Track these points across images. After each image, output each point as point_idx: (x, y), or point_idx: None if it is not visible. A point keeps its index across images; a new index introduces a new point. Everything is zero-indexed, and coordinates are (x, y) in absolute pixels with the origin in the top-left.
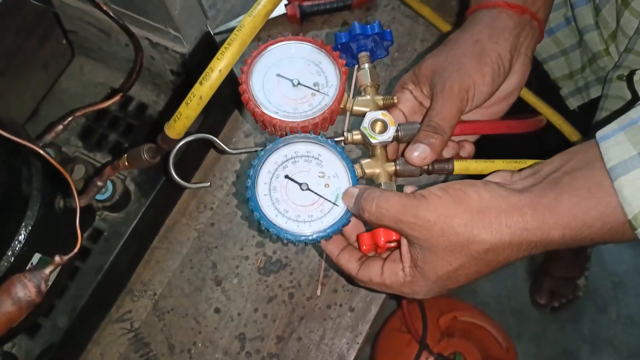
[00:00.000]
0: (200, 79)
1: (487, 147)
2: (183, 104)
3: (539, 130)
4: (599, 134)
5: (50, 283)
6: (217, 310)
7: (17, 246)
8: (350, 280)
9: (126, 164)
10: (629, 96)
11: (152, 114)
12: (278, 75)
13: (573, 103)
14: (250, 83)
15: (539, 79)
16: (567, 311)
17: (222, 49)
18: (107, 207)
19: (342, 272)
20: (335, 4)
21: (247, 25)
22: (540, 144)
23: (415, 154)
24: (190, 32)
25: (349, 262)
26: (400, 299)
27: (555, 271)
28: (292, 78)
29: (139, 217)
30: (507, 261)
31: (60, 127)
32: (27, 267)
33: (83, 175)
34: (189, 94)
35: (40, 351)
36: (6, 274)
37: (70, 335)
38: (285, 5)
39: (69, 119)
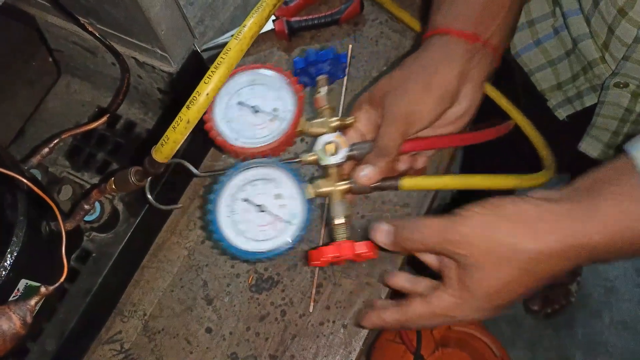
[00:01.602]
0: (188, 102)
1: (473, 158)
2: (170, 128)
3: (510, 136)
4: (628, 145)
5: (34, 314)
6: (208, 330)
7: (2, 273)
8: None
9: (113, 187)
10: (626, 103)
11: (140, 132)
12: (239, 102)
13: (562, 113)
14: (213, 111)
15: (527, 92)
16: (561, 317)
17: (209, 72)
18: (95, 227)
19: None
20: (323, 19)
21: (233, 48)
22: (515, 151)
23: (362, 173)
24: (178, 51)
25: (393, 314)
26: None
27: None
28: (252, 105)
29: (127, 237)
30: (553, 271)
31: (47, 149)
32: (13, 293)
33: (70, 196)
34: (177, 118)
35: None
36: None
37: (59, 359)
38: (273, 21)
39: (55, 141)
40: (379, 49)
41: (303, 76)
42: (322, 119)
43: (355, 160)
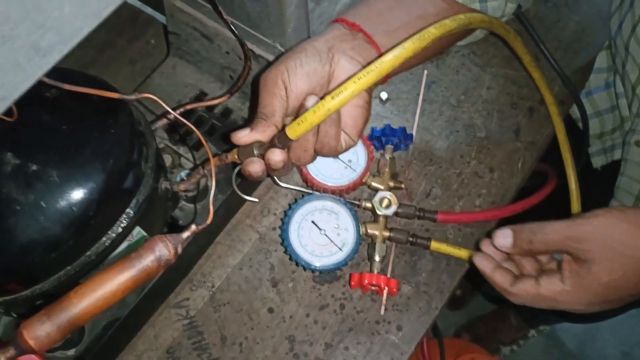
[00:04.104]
0: (333, 94)
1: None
2: (310, 111)
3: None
4: None
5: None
6: (270, 310)
7: (130, 214)
8: (497, 295)
9: (235, 156)
10: None
11: (236, 119)
12: None
13: (597, 162)
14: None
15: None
16: None
17: (360, 74)
18: (187, 198)
19: (490, 286)
20: None
21: (387, 62)
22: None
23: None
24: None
25: (504, 277)
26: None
27: (497, 330)
28: None
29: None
30: None
31: (171, 116)
32: (128, 237)
33: (170, 164)
34: (319, 104)
35: (106, 323)
36: (113, 242)
37: (135, 312)
38: None
39: (180, 110)
40: (458, 78)
41: (375, 141)
42: (382, 178)
43: (398, 216)
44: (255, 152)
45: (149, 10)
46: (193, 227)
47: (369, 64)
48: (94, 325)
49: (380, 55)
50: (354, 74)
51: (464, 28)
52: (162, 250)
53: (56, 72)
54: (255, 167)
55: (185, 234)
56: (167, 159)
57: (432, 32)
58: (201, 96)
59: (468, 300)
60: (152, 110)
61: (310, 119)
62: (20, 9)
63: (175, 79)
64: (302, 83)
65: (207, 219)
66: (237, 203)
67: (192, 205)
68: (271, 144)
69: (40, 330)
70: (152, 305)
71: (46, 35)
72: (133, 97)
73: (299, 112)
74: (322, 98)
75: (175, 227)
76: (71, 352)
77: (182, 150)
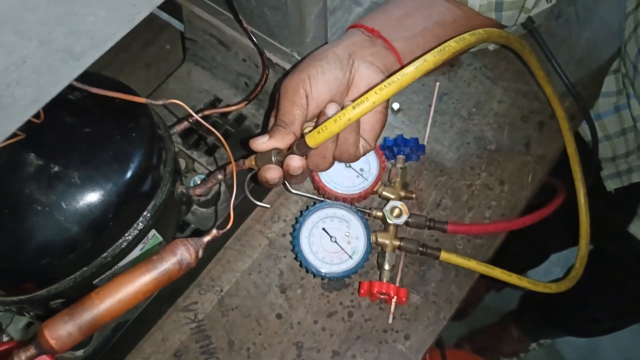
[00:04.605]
0: (354, 104)
1: None
2: (331, 120)
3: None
4: None
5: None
6: (278, 316)
7: (148, 216)
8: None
9: (253, 162)
10: None
11: (249, 126)
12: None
13: (610, 185)
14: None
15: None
16: None
17: (382, 85)
18: (199, 202)
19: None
20: None
21: (409, 74)
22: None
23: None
24: None
25: None
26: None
27: (498, 341)
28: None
29: (224, 216)
30: None
31: (190, 120)
32: (144, 240)
33: (184, 168)
34: (340, 113)
35: (115, 325)
36: (129, 244)
37: (144, 315)
38: None
39: (199, 115)
40: (470, 91)
41: (387, 151)
42: (393, 188)
43: (408, 226)
44: (273, 159)
45: (164, 16)
46: (214, 231)
47: (391, 74)
48: (103, 327)
49: (402, 67)
50: (376, 85)
51: (482, 42)
52: (184, 253)
53: (81, 75)
54: (272, 173)
55: (206, 238)
56: (182, 164)
57: (453, 46)
58: (215, 102)
59: (470, 311)
60: (173, 113)
61: (330, 127)
62: (57, 14)
63: (190, 84)
64: (324, 91)
65: (228, 224)
66: (248, 208)
67: (203, 210)
68: (289, 151)
69: (62, 330)
70: (160, 308)
71: (81, 40)
72: (160, 102)
73: (318, 119)
74: (342, 106)
75: (185, 230)
76: (80, 352)
77: (195, 155)
